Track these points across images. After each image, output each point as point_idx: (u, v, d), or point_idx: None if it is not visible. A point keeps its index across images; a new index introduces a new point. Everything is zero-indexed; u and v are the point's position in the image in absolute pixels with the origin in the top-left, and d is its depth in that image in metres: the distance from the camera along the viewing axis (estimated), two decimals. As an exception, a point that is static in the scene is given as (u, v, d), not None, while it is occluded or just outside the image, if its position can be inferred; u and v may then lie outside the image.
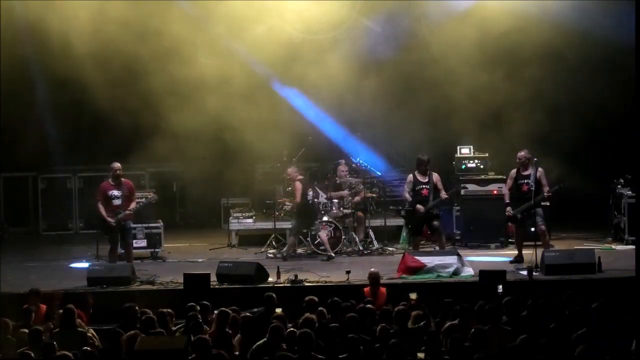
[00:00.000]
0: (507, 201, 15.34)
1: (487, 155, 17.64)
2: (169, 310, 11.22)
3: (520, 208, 15.13)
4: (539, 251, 14.48)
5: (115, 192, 14.87)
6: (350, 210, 16.55)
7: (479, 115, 17.91)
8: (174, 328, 11.01)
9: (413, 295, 11.94)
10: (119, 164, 15.07)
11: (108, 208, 14.84)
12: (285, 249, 16.15)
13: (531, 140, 17.16)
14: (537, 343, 9.33)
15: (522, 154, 15.26)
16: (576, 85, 18.34)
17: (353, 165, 17.50)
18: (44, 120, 19.21)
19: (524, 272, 14.26)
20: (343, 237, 16.24)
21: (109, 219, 14.75)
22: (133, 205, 14.94)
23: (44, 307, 12.01)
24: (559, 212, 17.92)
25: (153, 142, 17.78)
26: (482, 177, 17.25)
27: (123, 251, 15.18)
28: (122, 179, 15.04)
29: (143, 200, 15.74)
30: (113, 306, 12.33)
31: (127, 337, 9.98)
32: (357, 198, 16.74)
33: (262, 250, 16.63)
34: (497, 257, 15.82)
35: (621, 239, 16.54)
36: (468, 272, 14.32)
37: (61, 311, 11.13)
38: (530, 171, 15.18)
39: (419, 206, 15.32)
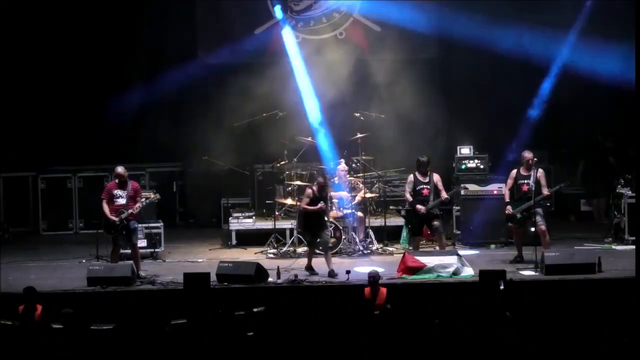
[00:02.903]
0: (507, 200, 15.36)
1: (487, 155, 17.66)
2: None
3: (520, 208, 15.14)
4: (539, 251, 14.49)
5: (120, 192, 14.84)
6: (350, 210, 16.53)
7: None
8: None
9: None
10: (123, 169, 14.96)
11: (112, 207, 14.80)
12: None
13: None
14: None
15: (529, 155, 15.24)
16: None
17: (353, 165, 17.49)
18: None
19: (525, 272, 14.31)
20: (343, 237, 16.23)
21: (112, 217, 14.72)
22: (138, 205, 14.89)
23: (39, 307, 11.99)
24: (558, 212, 18.06)
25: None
26: (482, 177, 17.26)
27: (129, 251, 15.17)
28: (129, 181, 15.00)
29: (144, 200, 15.73)
30: (113, 306, 12.37)
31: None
32: (357, 198, 16.73)
33: (262, 250, 16.63)
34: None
35: (621, 239, 16.54)
36: (468, 272, 14.33)
37: None
38: (530, 171, 15.19)
39: (419, 206, 15.32)
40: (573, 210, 19.10)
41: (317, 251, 14.93)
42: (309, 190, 15.01)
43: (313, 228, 14.84)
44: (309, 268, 14.76)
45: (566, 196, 18.88)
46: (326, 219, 15.08)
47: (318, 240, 14.81)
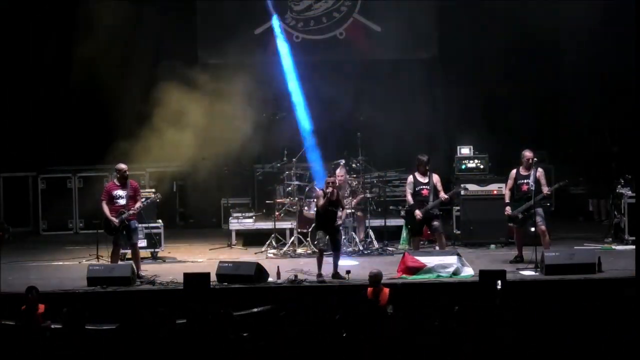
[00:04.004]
0: (507, 201, 15.35)
1: (487, 155, 17.67)
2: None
3: (521, 208, 15.13)
4: (539, 251, 14.49)
5: (120, 192, 14.84)
6: (350, 210, 16.52)
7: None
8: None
9: None
10: (125, 165, 15.00)
11: (112, 208, 14.81)
12: None
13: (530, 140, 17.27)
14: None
15: (529, 154, 15.24)
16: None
17: (353, 165, 17.47)
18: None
19: (525, 272, 14.33)
20: (343, 237, 16.20)
21: (113, 219, 14.72)
22: (138, 205, 14.91)
23: (42, 306, 12.00)
24: (559, 211, 18.05)
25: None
26: (482, 177, 17.27)
27: (128, 251, 15.16)
28: (129, 180, 15.01)
29: (145, 200, 15.74)
30: (113, 306, 12.38)
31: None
32: (357, 198, 16.71)
33: (262, 250, 16.63)
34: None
35: (621, 239, 16.53)
36: (468, 272, 14.33)
37: None
38: (530, 171, 15.19)
39: (417, 212, 15.30)
40: (582, 210, 19.05)
41: (326, 253, 14.59)
42: (319, 192, 14.86)
43: (328, 228, 14.58)
44: (321, 275, 14.38)
45: (574, 196, 18.88)
46: (339, 222, 14.75)
47: (330, 240, 14.55)
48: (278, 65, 19.17)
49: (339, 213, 14.71)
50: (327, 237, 14.51)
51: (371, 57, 19.57)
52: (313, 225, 15.67)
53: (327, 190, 14.54)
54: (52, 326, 11.25)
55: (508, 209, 15.23)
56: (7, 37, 18.96)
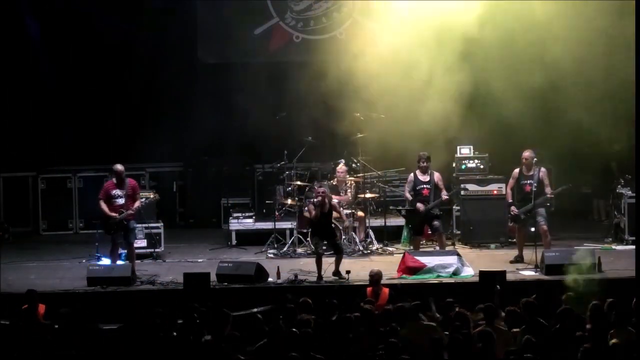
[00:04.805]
0: (510, 200, 15.34)
1: (487, 155, 17.66)
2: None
3: (524, 208, 15.12)
4: (539, 251, 14.48)
5: (118, 192, 14.79)
6: (350, 210, 16.52)
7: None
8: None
9: None
10: (121, 167, 14.96)
11: (111, 208, 14.76)
12: None
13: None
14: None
15: (528, 154, 15.22)
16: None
17: (353, 165, 17.47)
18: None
19: (525, 272, 14.32)
20: (343, 237, 16.21)
21: (113, 214, 14.64)
22: (137, 204, 14.88)
23: (42, 306, 12.01)
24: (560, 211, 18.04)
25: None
26: (482, 177, 17.26)
27: (125, 251, 15.15)
28: (127, 179, 14.98)
29: (144, 200, 15.73)
30: (113, 306, 12.38)
31: None
32: (356, 198, 16.71)
33: (262, 250, 16.63)
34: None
35: (621, 239, 16.53)
36: (468, 272, 14.33)
37: None
38: (533, 171, 15.18)
39: (419, 204, 15.31)
40: (589, 210, 18.99)
41: (326, 254, 14.64)
42: (310, 206, 14.81)
43: (321, 235, 14.64)
44: (321, 278, 14.41)
45: (585, 196, 18.87)
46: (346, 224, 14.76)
47: (326, 245, 14.62)
48: (278, 65, 19.16)
49: (339, 215, 14.73)
50: (324, 241, 14.54)
51: (371, 57, 19.51)
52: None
53: (317, 200, 14.55)
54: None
55: (514, 209, 15.21)
56: (7, 37, 18.95)
